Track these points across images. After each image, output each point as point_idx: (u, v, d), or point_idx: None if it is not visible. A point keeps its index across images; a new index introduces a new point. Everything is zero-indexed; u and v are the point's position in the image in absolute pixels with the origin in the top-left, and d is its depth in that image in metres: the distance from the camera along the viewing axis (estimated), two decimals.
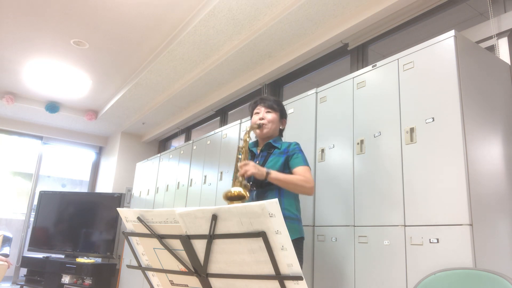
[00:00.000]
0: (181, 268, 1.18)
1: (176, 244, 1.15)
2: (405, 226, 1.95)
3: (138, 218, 1.20)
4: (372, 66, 2.36)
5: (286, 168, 2.06)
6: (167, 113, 5.73)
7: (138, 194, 5.41)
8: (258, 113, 2.20)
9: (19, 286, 5.80)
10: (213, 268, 1.11)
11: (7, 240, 5.46)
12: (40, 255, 5.87)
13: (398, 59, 2.20)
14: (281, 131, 2.26)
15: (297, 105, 2.87)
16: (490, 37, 2.41)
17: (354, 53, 3.36)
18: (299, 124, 2.79)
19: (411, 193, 1.96)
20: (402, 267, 1.92)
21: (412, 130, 2.02)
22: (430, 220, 1.84)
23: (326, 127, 2.59)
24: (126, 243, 4.65)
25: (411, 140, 2.02)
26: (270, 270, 1.00)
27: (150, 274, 1.35)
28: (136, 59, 4.39)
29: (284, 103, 2.95)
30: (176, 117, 5.79)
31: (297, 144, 2.13)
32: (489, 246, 1.77)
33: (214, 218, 1.03)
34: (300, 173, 1.99)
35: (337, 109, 2.53)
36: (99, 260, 5.82)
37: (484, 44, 2.43)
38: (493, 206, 1.87)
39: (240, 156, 2.05)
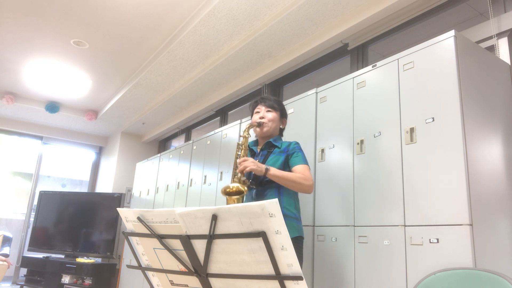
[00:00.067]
0: (181, 268, 1.18)
1: (176, 244, 1.15)
2: (405, 226, 1.95)
3: (138, 218, 1.20)
4: (372, 66, 2.36)
5: (286, 166, 2.07)
6: (167, 113, 5.73)
7: (138, 194, 5.41)
8: (258, 112, 2.21)
9: (19, 286, 5.80)
10: (213, 268, 1.11)
11: (7, 240, 5.46)
12: (40, 255, 5.87)
13: (398, 59, 2.20)
14: (281, 131, 2.27)
15: (297, 105, 2.87)
16: (490, 37, 2.41)
17: (354, 53, 3.36)
18: (299, 124, 2.79)
19: (411, 193, 1.96)
20: (402, 267, 1.92)
21: (412, 130, 2.02)
22: (430, 220, 1.84)
23: (326, 127, 2.59)
24: (126, 243, 4.65)
25: (411, 140, 2.02)
26: (270, 270, 1.00)
27: (150, 274, 1.35)
28: (136, 59, 4.39)
29: (284, 103, 2.95)
30: (176, 117, 5.79)
31: (297, 143, 2.14)
32: (489, 246, 1.77)
33: (214, 218, 1.03)
34: (299, 171, 2.00)
35: (337, 109, 2.53)
36: (99, 260, 5.82)
37: (484, 44, 2.43)
38: (493, 206, 1.87)
39: (239, 153, 2.06)
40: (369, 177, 2.20)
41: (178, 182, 4.37)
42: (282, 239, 0.96)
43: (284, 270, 0.99)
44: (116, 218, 5.72)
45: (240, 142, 2.10)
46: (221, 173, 3.59)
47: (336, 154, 2.46)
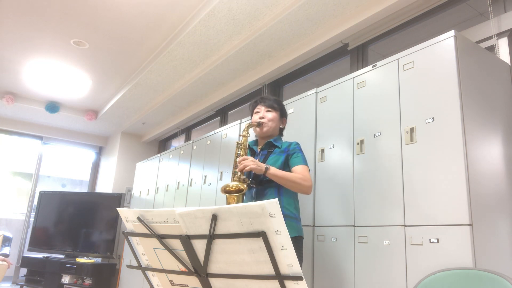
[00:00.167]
0: (181, 268, 1.18)
1: (176, 244, 1.15)
2: (405, 226, 1.95)
3: (138, 218, 1.20)
4: (372, 66, 2.36)
5: (286, 167, 2.08)
6: (167, 113, 5.73)
7: (138, 194, 5.41)
8: (258, 112, 2.21)
9: (19, 286, 5.80)
10: (213, 268, 1.11)
11: (7, 240, 5.46)
12: (40, 255, 5.87)
13: (398, 59, 2.20)
14: (281, 130, 2.27)
15: (297, 105, 2.87)
16: (490, 37, 2.41)
17: (354, 53, 3.36)
18: (299, 124, 2.79)
19: (411, 193, 1.96)
20: (402, 267, 1.92)
21: (412, 130, 2.02)
22: (430, 220, 1.84)
23: (326, 127, 2.59)
24: (126, 243, 4.65)
25: (411, 140, 2.02)
26: (270, 270, 1.00)
27: (150, 274, 1.35)
28: (136, 59, 4.39)
29: (284, 103, 2.95)
30: (176, 117, 5.79)
31: (297, 144, 2.14)
32: (489, 246, 1.77)
33: (214, 218, 1.03)
34: (299, 172, 2.00)
35: (337, 109, 2.53)
36: (99, 260, 5.82)
37: (484, 44, 2.43)
38: (493, 206, 1.87)
39: (239, 152, 2.07)
40: (369, 177, 2.20)
41: (178, 182, 4.37)
42: (282, 239, 0.96)
43: (284, 270, 0.99)
44: (116, 218, 5.72)
45: (240, 142, 2.10)
46: (221, 173, 3.59)
47: (336, 154, 2.46)
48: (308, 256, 2.43)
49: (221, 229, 1.04)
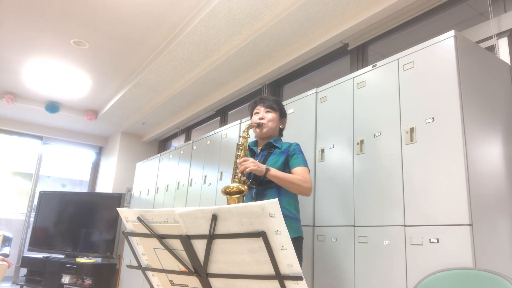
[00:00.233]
0: (181, 268, 1.18)
1: (176, 244, 1.15)
2: (405, 226, 1.95)
3: (138, 218, 1.20)
4: (372, 66, 2.36)
5: (286, 167, 2.07)
6: (167, 113, 5.73)
7: (138, 194, 5.41)
8: (257, 113, 2.21)
9: (19, 286, 5.80)
10: (213, 268, 1.11)
11: (7, 240, 5.46)
12: (40, 255, 5.87)
13: (398, 59, 2.20)
14: (281, 131, 2.27)
15: (297, 105, 2.87)
16: (490, 37, 2.41)
17: (354, 53, 3.36)
18: (299, 124, 2.79)
19: (411, 193, 1.96)
20: (402, 267, 1.92)
21: (412, 130, 2.02)
22: (430, 220, 1.84)
23: (326, 127, 2.59)
24: (126, 243, 4.65)
25: (411, 140, 2.02)
26: (270, 270, 1.00)
27: (150, 274, 1.35)
28: (136, 59, 4.39)
29: (284, 103, 2.96)
30: (176, 117, 5.79)
31: (297, 145, 2.14)
32: (489, 246, 1.77)
33: (214, 218, 1.03)
34: (299, 173, 2.00)
35: (337, 109, 2.53)
36: (99, 260, 5.82)
37: (484, 44, 2.43)
38: (493, 206, 1.87)
39: (239, 153, 2.06)
40: (369, 177, 2.20)
41: (178, 182, 4.37)
42: (282, 239, 0.96)
43: (284, 270, 0.99)
44: (116, 218, 5.72)
45: (240, 143, 2.10)
46: (221, 173, 3.59)
47: (336, 154, 2.46)
48: (308, 256, 2.43)
49: (221, 229, 1.04)
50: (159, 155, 5.11)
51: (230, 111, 5.10)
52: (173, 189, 4.45)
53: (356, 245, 2.17)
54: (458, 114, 1.84)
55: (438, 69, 1.97)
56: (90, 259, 5.64)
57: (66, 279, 5.38)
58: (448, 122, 1.87)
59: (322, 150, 2.56)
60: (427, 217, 1.86)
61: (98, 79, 5.04)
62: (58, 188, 7.49)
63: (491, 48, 2.39)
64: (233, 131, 3.58)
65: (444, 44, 1.98)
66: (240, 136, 2.16)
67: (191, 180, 4.09)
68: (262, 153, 2.16)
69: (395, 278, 1.94)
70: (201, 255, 1.11)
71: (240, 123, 3.51)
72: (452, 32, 1.96)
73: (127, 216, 1.26)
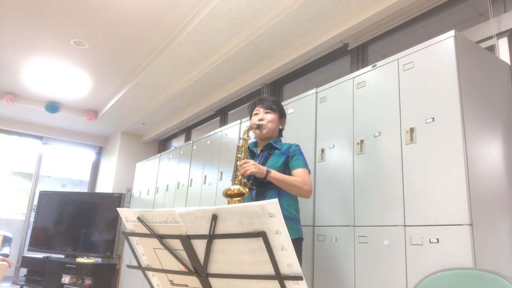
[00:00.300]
0: (181, 268, 1.18)
1: (176, 244, 1.15)
2: (405, 226, 1.95)
3: (138, 218, 1.20)
4: (372, 66, 2.36)
5: (286, 168, 2.07)
6: (167, 113, 5.73)
7: (138, 194, 5.41)
8: (257, 114, 2.20)
9: (19, 286, 5.80)
10: (213, 268, 1.11)
11: (7, 240, 5.46)
12: (40, 255, 5.87)
13: (398, 59, 2.20)
14: (280, 131, 2.26)
15: (297, 105, 2.87)
16: (490, 37, 2.41)
17: (354, 53, 3.36)
18: (299, 124, 2.79)
19: (411, 193, 1.96)
20: (402, 267, 1.92)
21: (412, 130, 2.02)
22: (430, 220, 1.84)
23: (326, 127, 2.59)
24: (126, 243, 4.65)
25: (411, 140, 2.02)
26: (270, 270, 1.00)
27: (150, 274, 1.35)
28: (136, 59, 4.39)
29: (284, 103, 2.96)
30: (176, 117, 5.79)
31: (298, 146, 2.14)
32: (489, 246, 1.77)
33: (214, 218, 1.03)
34: (299, 175, 2.00)
35: (337, 109, 2.53)
36: (99, 260, 5.82)
37: (484, 44, 2.43)
38: (493, 206, 1.87)
39: (239, 155, 2.06)
40: (369, 177, 2.20)
41: (178, 182, 4.37)
42: (282, 239, 0.96)
43: (284, 270, 0.99)
44: (116, 218, 5.72)
45: (240, 145, 2.09)
46: (221, 173, 3.59)
47: (336, 154, 2.46)
48: (308, 256, 2.43)
49: (221, 229, 1.04)
50: (159, 155, 5.11)
51: (230, 111, 5.10)
52: (173, 189, 4.45)
53: (356, 245, 2.17)
54: (458, 114, 1.84)
55: (438, 69, 1.97)
56: (90, 259, 5.64)
57: (66, 279, 5.38)
58: (448, 122, 1.87)
59: (322, 150, 2.56)
60: (427, 217, 1.86)
61: (98, 79, 5.04)
62: (58, 188, 7.49)
63: (491, 48, 2.39)
64: (233, 131, 3.58)
65: (444, 44, 1.98)
66: (240, 138, 2.16)
67: (191, 180, 4.09)
68: (262, 154, 2.15)
69: (395, 278, 1.94)
70: (201, 255, 1.11)
71: (240, 123, 3.51)
72: (452, 32, 1.96)
73: (127, 216, 1.26)
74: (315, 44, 3.44)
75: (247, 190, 1.92)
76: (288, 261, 0.98)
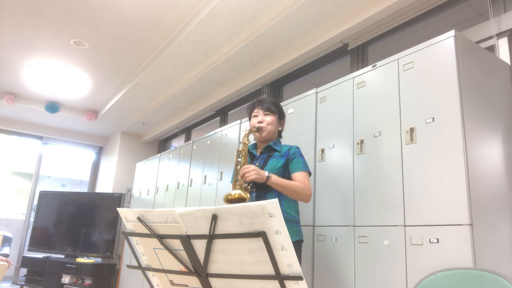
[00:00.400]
0: (181, 268, 1.18)
1: (176, 244, 1.15)
2: (405, 226, 1.95)
3: (138, 218, 1.20)
4: (372, 66, 2.36)
5: (286, 171, 2.06)
6: (167, 113, 5.73)
7: (138, 194, 5.41)
8: (256, 116, 2.17)
9: (19, 286, 5.80)
10: (213, 268, 1.11)
11: (7, 240, 5.46)
12: (40, 255, 5.87)
13: (398, 59, 2.20)
14: (280, 133, 2.25)
15: (297, 105, 2.87)
16: (490, 37, 2.41)
17: (354, 53, 3.36)
18: (299, 124, 2.79)
19: (411, 193, 1.96)
20: (402, 267, 1.92)
21: (412, 130, 2.02)
22: (430, 220, 1.84)
23: (326, 127, 2.59)
24: (126, 243, 4.65)
25: (411, 140, 2.02)
26: (270, 270, 1.00)
27: (150, 274, 1.35)
28: (136, 59, 4.39)
29: (284, 103, 2.96)
30: (176, 117, 5.79)
31: (297, 148, 2.12)
32: (489, 246, 1.77)
33: (214, 218, 1.03)
34: (299, 180, 1.99)
35: (337, 109, 2.53)
36: (99, 260, 5.82)
37: (484, 44, 2.43)
38: (493, 206, 1.87)
39: (239, 160, 2.04)
40: (369, 177, 2.20)
41: (178, 182, 4.37)
42: (282, 239, 0.96)
43: (284, 270, 0.99)
44: (116, 218, 5.72)
45: (240, 149, 2.07)
46: (221, 173, 3.59)
47: (336, 154, 2.46)
48: (308, 256, 2.43)
49: (221, 229, 1.03)
50: (159, 155, 5.11)
51: (230, 111, 5.10)
52: (173, 189, 4.45)
53: (356, 245, 2.17)
54: (458, 114, 1.84)
55: (438, 69, 1.97)
56: (90, 259, 5.64)
57: (66, 279, 5.38)
58: (448, 122, 1.87)
59: (322, 150, 2.56)
60: (427, 217, 1.86)
61: (98, 79, 5.04)
62: (58, 188, 7.49)
63: (491, 48, 2.39)
64: (233, 131, 3.58)
65: (444, 44, 1.98)
66: (240, 142, 2.14)
67: (191, 180, 4.09)
68: (261, 156, 2.14)
69: (395, 278, 1.94)
70: (201, 255, 1.11)
71: (240, 123, 3.51)
72: (452, 32, 1.96)
73: (127, 216, 1.26)
74: (315, 44, 3.44)
75: (248, 195, 1.90)
76: (288, 261, 0.98)
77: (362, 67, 2.96)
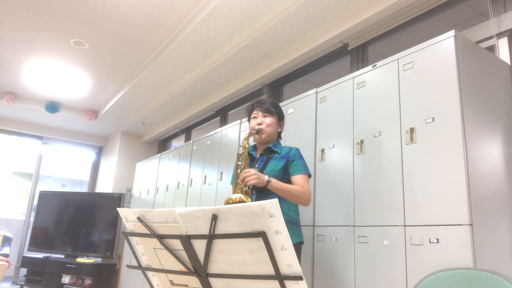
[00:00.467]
0: (181, 268, 1.18)
1: (176, 244, 1.15)
2: (405, 226, 1.95)
3: (138, 218, 1.20)
4: (372, 66, 2.36)
5: (286, 173, 2.05)
6: (167, 113, 5.73)
7: (138, 194, 5.41)
8: (255, 117, 2.16)
9: (19, 286, 5.80)
10: (213, 268, 1.11)
11: (7, 240, 5.46)
12: (40, 255, 5.87)
13: (398, 59, 2.20)
14: (279, 134, 2.24)
15: (297, 105, 2.87)
16: (490, 37, 2.41)
17: (354, 53, 3.36)
18: (299, 124, 2.79)
19: (411, 193, 1.96)
20: (402, 267, 1.92)
21: (412, 130, 2.02)
22: (430, 220, 1.84)
23: (326, 127, 2.59)
24: (126, 243, 4.65)
25: (411, 140, 2.02)
26: (270, 270, 1.00)
27: (150, 274, 1.35)
28: (136, 59, 4.39)
29: (284, 103, 2.96)
30: (176, 117, 5.79)
31: (297, 150, 2.11)
32: (489, 246, 1.77)
33: (214, 218, 1.03)
34: (299, 183, 1.98)
35: (337, 109, 2.53)
36: (99, 260, 5.82)
37: (484, 44, 2.43)
38: (493, 206, 1.87)
39: (239, 163, 2.02)
40: (369, 177, 2.20)
41: (178, 182, 4.37)
42: (282, 239, 0.96)
43: (284, 270, 0.99)
44: (116, 218, 5.72)
45: (240, 152, 2.05)
46: (221, 173, 3.59)
47: (336, 154, 2.46)
48: (308, 256, 2.43)
49: (221, 229, 1.03)
50: (159, 155, 5.11)
51: (230, 111, 5.10)
52: (173, 189, 4.45)
53: (356, 245, 2.17)
54: (458, 114, 1.84)
55: (438, 69, 1.97)
56: (90, 259, 5.64)
57: (66, 279, 5.38)
58: (448, 122, 1.87)
59: (322, 150, 2.56)
60: (427, 217, 1.86)
61: (98, 79, 5.04)
62: (58, 188, 7.49)
63: (491, 48, 2.39)
64: (233, 131, 3.58)
65: (444, 44, 1.98)
66: (239, 145, 2.13)
67: (191, 180, 4.09)
68: (261, 158, 2.13)
69: (395, 278, 1.94)
70: (201, 255, 1.11)
71: (240, 123, 3.51)
72: (452, 32, 1.96)
73: (127, 216, 1.26)
74: (315, 44, 3.44)
75: (249, 199, 1.89)
76: (288, 261, 0.98)
77: (362, 67, 2.96)
